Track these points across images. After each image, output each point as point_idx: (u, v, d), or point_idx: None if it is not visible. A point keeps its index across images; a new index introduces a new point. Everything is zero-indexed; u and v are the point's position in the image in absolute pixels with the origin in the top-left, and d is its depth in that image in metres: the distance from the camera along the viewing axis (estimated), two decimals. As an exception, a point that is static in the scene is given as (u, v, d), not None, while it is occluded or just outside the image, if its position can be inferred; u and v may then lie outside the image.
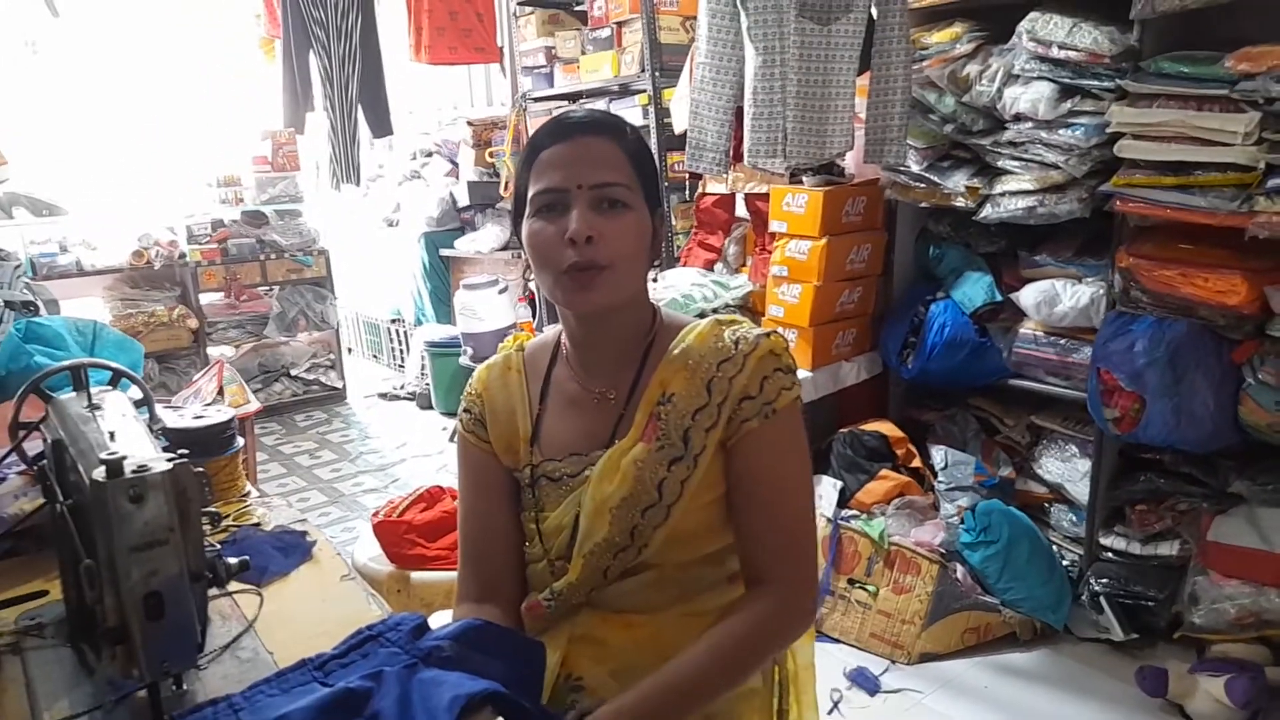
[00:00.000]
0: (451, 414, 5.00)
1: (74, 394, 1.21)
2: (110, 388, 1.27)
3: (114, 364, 1.29)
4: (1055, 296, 2.61)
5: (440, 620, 1.18)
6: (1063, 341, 2.67)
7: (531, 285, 4.61)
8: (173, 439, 1.32)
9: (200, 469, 0.94)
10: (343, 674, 0.99)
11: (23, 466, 1.29)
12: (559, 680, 1.12)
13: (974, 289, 2.84)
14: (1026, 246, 2.79)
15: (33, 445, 1.26)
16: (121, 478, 0.85)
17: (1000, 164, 2.62)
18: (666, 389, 1.10)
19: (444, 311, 5.57)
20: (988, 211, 2.64)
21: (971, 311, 2.82)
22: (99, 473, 0.86)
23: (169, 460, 0.90)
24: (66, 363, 1.22)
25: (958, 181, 2.69)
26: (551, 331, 1.24)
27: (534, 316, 4.59)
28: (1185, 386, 2.30)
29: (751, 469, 1.08)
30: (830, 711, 2.33)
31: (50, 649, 1.11)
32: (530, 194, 1.08)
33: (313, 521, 3.84)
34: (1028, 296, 2.68)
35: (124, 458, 0.86)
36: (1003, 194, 2.60)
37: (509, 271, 5.03)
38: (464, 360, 4.81)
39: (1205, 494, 2.48)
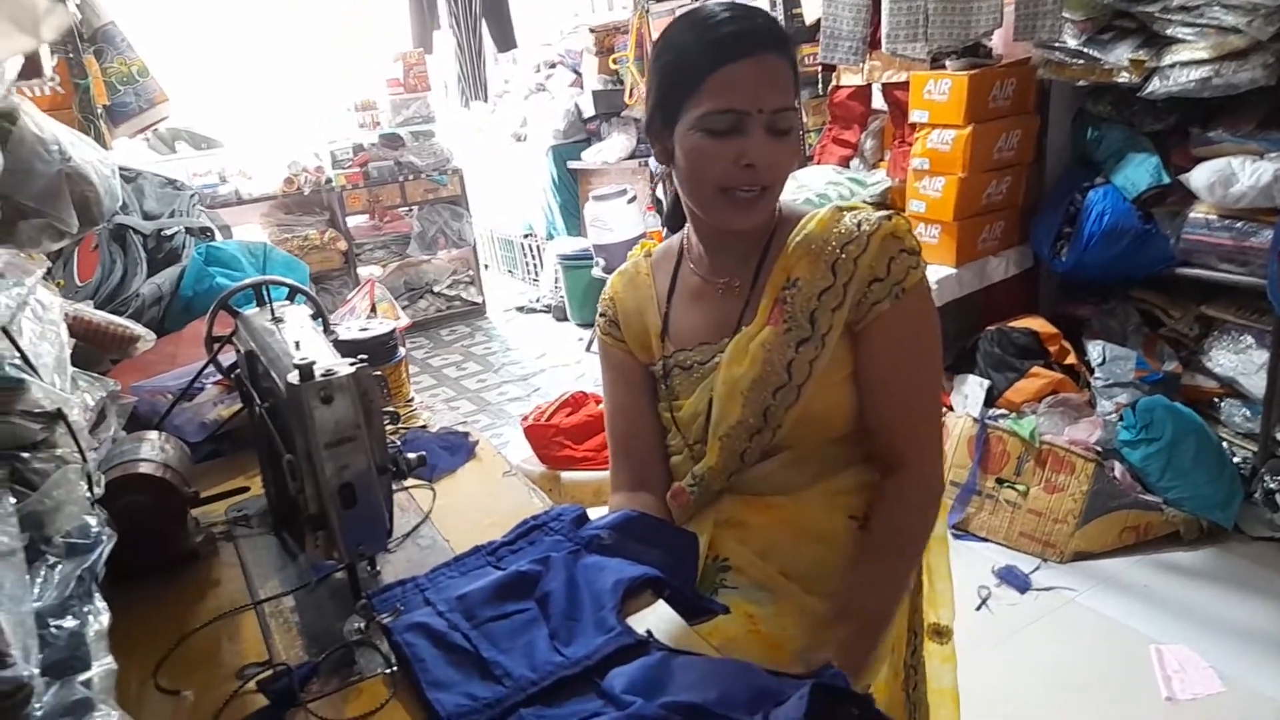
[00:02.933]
0: (587, 325, 5.11)
1: (257, 309, 1.31)
2: (288, 303, 1.37)
3: (290, 280, 1.39)
4: (1232, 176, 2.40)
5: (595, 515, 1.25)
6: (1239, 225, 2.46)
7: (659, 193, 4.59)
8: (343, 349, 1.41)
9: (378, 373, 1.01)
10: (513, 559, 1.07)
11: (218, 376, 1.42)
12: (707, 562, 1.17)
13: (1138, 172, 2.64)
14: (1199, 122, 2.56)
15: (224, 357, 1.37)
16: (313, 381, 0.92)
17: (1170, 32, 2.39)
18: (791, 274, 1.10)
19: (574, 224, 5.64)
20: (1155, 86, 2.42)
21: (1135, 196, 2.63)
22: (293, 376, 0.94)
23: (351, 365, 0.96)
24: (249, 280, 1.32)
25: (1121, 55, 2.48)
26: (675, 238, 1.26)
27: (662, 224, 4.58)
28: (1383, 268, 2.09)
29: (884, 351, 1.08)
30: (978, 608, 2.32)
31: (257, 536, 1.23)
32: (701, 111, 1.03)
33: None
34: (1200, 177, 2.47)
35: (313, 363, 0.94)
36: (1173, 65, 2.38)
37: (636, 181, 5.02)
38: (596, 272, 4.88)
39: (1402, 384, 2.27)
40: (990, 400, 2.72)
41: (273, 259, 1.89)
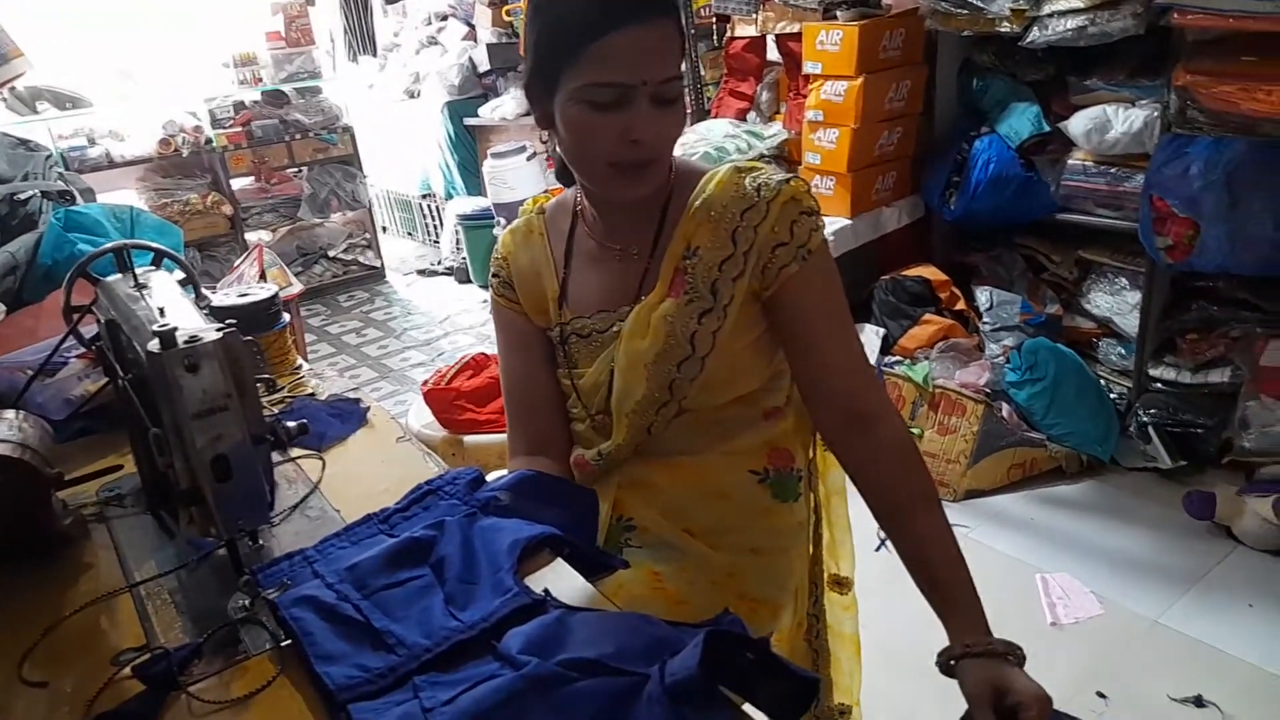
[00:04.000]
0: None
1: (120, 276, 1.23)
2: (154, 268, 1.29)
3: (156, 244, 1.30)
4: (1107, 123, 2.49)
5: (495, 478, 1.22)
6: (1113, 170, 2.57)
7: (552, 150, 4.48)
8: (220, 317, 1.34)
9: (249, 338, 0.96)
10: (406, 526, 1.04)
11: (81, 349, 1.33)
12: (612, 523, 1.16)
13: (1020, 120, 2.72)
14: (1076, 71, 2.64)
15: (87, 329, 1.29)
16: (175, 348, 0.87)
17: (1048, -19, 2.45)
18: (691, 243, 1.08)
19: (474, 183, 5.51)
20: (1035, 35, 2.49)
21: (1018, 145, 2.71)
22: (153, 345, 0.88)
23: (218, 330, 0.91)
24: (109, 245, 1.23)
25: (1002, 4, 2.53)
26: (570, 192, 1.21)
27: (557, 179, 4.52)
28: (1243, 209, 2.21)
29: (804, 310, 1.06)
30: (877, 549, 2.39)
31: (132, 516, 1.17)
32: (582, 82, 0.97)
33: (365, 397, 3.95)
34: (1077, 125, 2.57)
35: (175, 329, 0.88)
36: (1050, 15, 2.45)
37: (535, 137, 4.93)
38: (498, 231, 4.79)
39: (1260, 319, 2.43)
40: (886, 348, 2.79)
41: (141, 223, 1.77)
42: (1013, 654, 0.90)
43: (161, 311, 1.04)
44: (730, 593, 1.14)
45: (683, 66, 1.05)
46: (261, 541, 1.03)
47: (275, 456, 1.24)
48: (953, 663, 0.93)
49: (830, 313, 1.07)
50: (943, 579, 0.98)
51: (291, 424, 1.01)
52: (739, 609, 1.13)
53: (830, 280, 1.08)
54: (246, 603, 0.93)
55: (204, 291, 1.51)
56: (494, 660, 0.82)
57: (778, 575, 1.20)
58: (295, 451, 1.26)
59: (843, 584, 1.38)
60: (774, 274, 1.05)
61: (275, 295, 1.55)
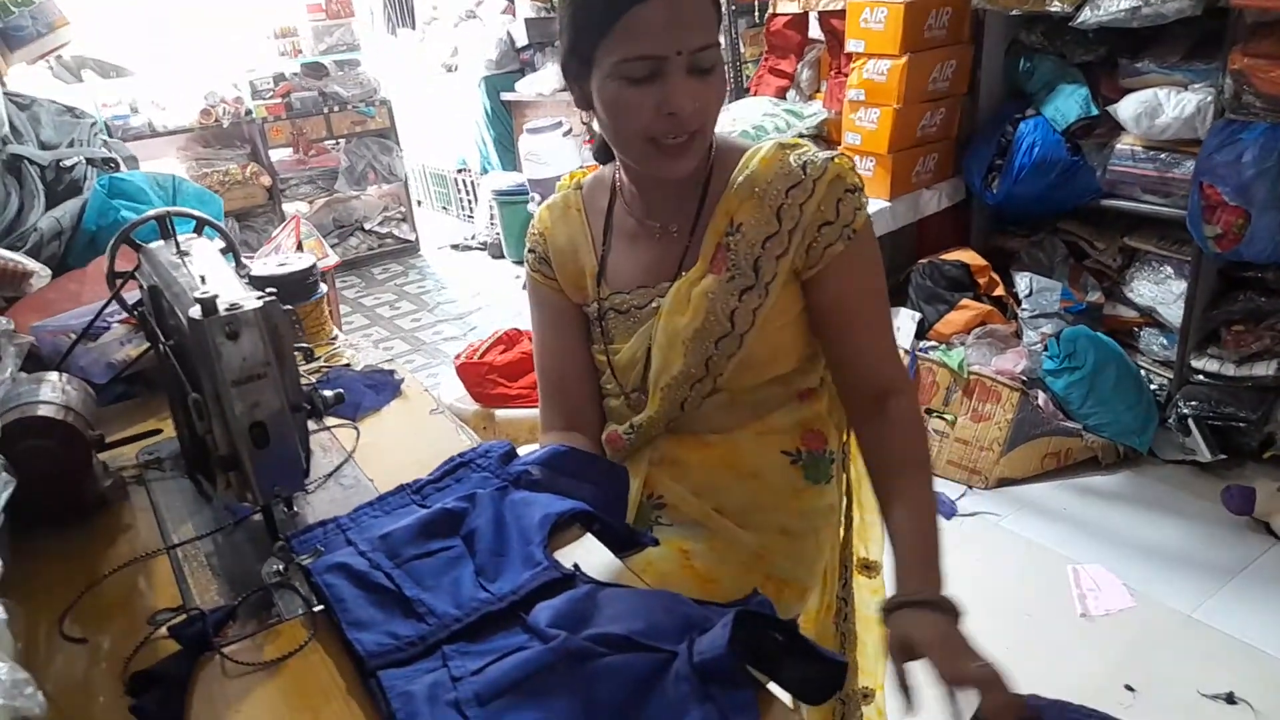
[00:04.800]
0: (523, 263, 5.02)
1: (162, 243, 1.24)
2: (196, 236, 1.30)
3: (198, 212, 1.32)
4: (1158, 107, 2.43)
5: (526, 453, 1.23)
6: (1163, 156, 2.50)
7: (596, 126, 4.45)
8: (259, 285, 1.35)
9: (288, 307, 0.97)
10: (438, 497, 1.05)
11: (123, 314, 1.35)
12: (642, 500, 1.16)
13: (1067, 103, 2.66)
14: (1128, 53, 2.57)
15: (130, 295, 1.30)
16: (216, 315, 0.88)
17: (1101, -41, 2.39)
18: (734, 219, 1.07)
19: (509, 158, 5.50)
20: (1086, 15, 2.43)
21: (1064, 128, 2.65)
22: (195, 311, 0.89)
23: (259, 298, 0.92)
24: (153, 212, 1.24)
25: (1053, -17, 2.47)
26: (608, 168, 1.20)
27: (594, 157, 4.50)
28: (1297, 198, 2.15)
29: (845, 291, 1.06)
30: (907, 534, 2.39)
31: (171, 480, 1.19)
32: (617, 58, 0.96)
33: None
34: (1127, 108, 2.50)
35: (216, 296, 0.89)
36: (1103, -6, 2.38)
37: (572, 113, 4.90)
38: (532, 208, 4.79)
39: (1310, 312, 2.36)
40: (921, 332, 2.76)
41: (183, 191, 1.79)
42: (944, 606, 0.89)
43: (203, 279, 1.05)
44: (758, 573, 1.14)
45: (720, 35, 1.03)
46: (296, 508, 1.04)
47: (311, 425, 1.25)
48: (887, 613, 0.93)
49: (869, 295, 1.08)
50: (903, 534, 1.00)
51: (329, 393, 1.02)
52: (766, 589, 1.13)
53: (872, 261, 1.08)
54: (281, 568, 0.94)
55: (243, 260, 1.53)
56: (523, 632, 0.83)
57: (806, 557, 1.20)
58: (330, 420, 1.27)
59: (871, 568, 1.37)
60: (819, 253, 1.04)
61: (313, 265, 1.56)
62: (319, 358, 1.47)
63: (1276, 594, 2.07)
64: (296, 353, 1.00)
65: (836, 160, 1.06)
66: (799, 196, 1.04)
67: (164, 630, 0.86)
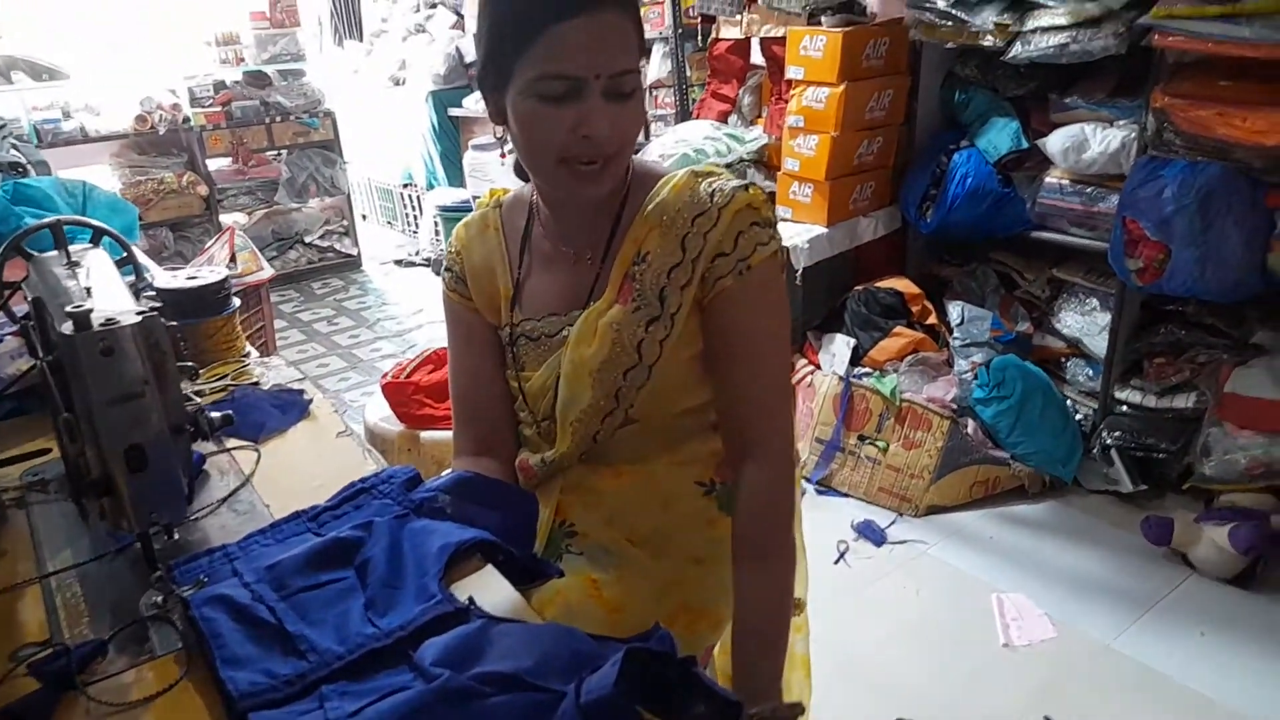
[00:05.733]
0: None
1: (55, 253, 1.19)
2: (93, 246, 1.25)
3: (93, 221, 1.26)
4: (1084, 142, 2.49)
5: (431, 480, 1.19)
6: (1089, 190, 2.56)
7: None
8: (164, 299, 1.30)
9: (174, 323, 0.92)
10: (335, 525, 1.00)
11: (15, 327, 1.28)
12: (553, 527, 1.13)
13: (999, 136, 2.71)
14: (1057, 89, 2.63)
15: (22, 307, 1.24)
16: (90, 330, 0.83)
17: (1032, -3, 2.44)
18: (641, 248, 1.05)
19: (455, 174, 5.45)
20: (1017, 50, 2.48)
21: (996, 160, 2.70)
22: (67, 326, 0.84)
23: (138, 313, 0.87)
24: (44, 220, 1.19)
25: (986, 18, 2.52)
26: (526, 188, 1.18)
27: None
28: (1214, 234, 2.21)
29: (727, 327, 1.03)
30: (836, 562, 2.39)
31: (54, 503, 1.12)
32: (533, 74, 0.93)
33: (331, 387, 3.88)
34: (1055, 142, 2.56)
35: (90, 311, 0.84)
36: (1034, 30, 2.44)
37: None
38: (477, 223, 4.74)
39: (1226, 345, 2.43)
40: (855, 359, 2.77)
41: (94, 199, 1.73)
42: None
43: (89, 291, 1.01)
44: (670, 603, 1.12)
45: (642, 62, 1.01)
46: (178, 535, 0.99)
47: (209, 447, 1.21)
48: None
49: (754, 334, 1.03)
50: (740, 629, 1.00)
51: (216, 414, 0.98)
52: (680, 620, 1.12)
53: (764, 300, 1.03)
54: (159, 600, 0.89)
55: (151, 272, 1.47)
56: (409, 670, 0.79)
57: (720, 586, 1.18)
58: (231, 442, 1.22)
59: (795, 605, 1.36)
60: (711, 284, 1.02)
61: (225, 280, 1.50)
62: (225, 376, 1.42)
63: (1192, 625, 2.10)
64: (181, 370, 0.95)
65: (749, 190, 1.04)
66: (704, 225, 1.02)
67: (23, 668, 0.81)
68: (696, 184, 1.05)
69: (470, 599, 0.88)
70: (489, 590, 0.91)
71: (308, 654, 0.81)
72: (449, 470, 1.15)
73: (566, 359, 1.07)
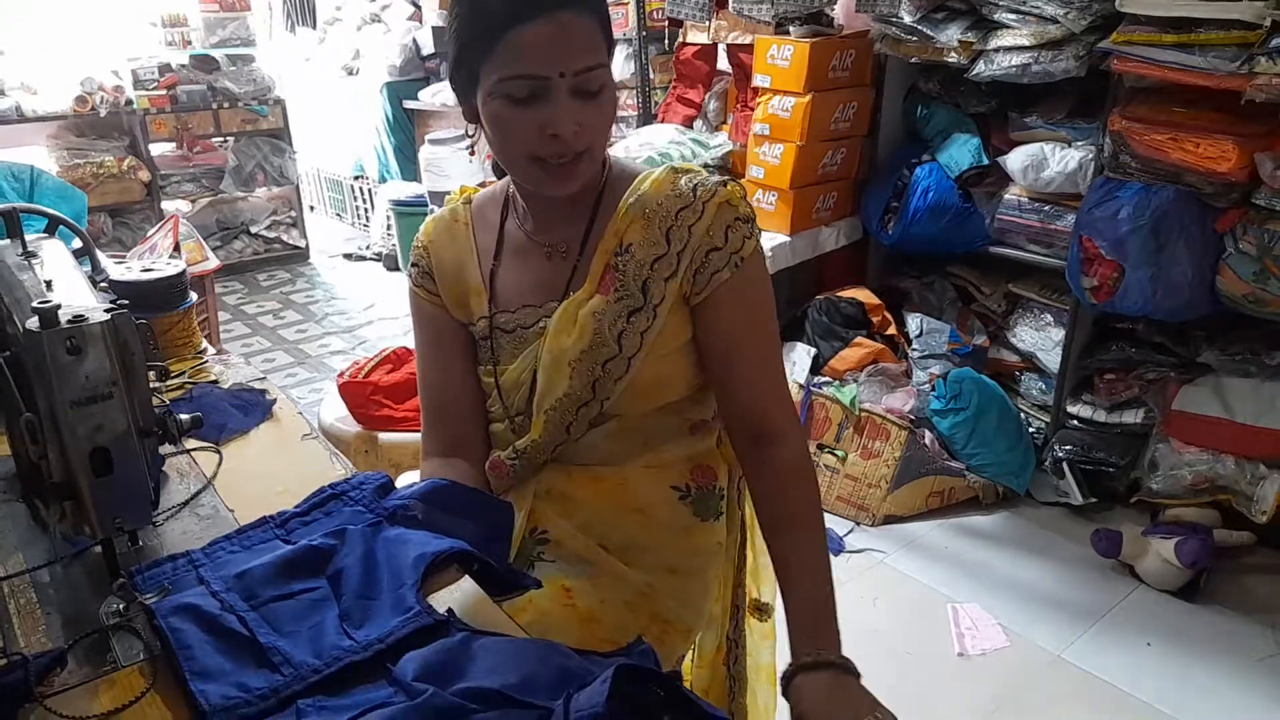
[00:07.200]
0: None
1: (7, 242, 1.13)
2: (48, 235, 1.19)
3: (51, 210, 1.20)
4: (1043, 160, 2.54)
5: (408, 480, 1.16)
6: (1047, 208, 2.62)
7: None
8: (120, 292, 1.25)
9: (143, 320, 0.88)
10: (305, 532, 0.97)
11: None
12: (525, 535, 1.11)
13: (961, 152, 2.75)
14: (1017, 108, 2.69)
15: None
16: (57, 328, 0.79)
17: (997, 17, 2.49)
18: (624, 239, 1.05)
19: (409, 168, 5.37)
20: (980, 68, 2.52)
21: (957, 175, 2.75)
22: (33, 323, 0.80)
23: (107, 310, 0.83)
24: (-3, 206, 1.13)
25: (951, 35, 2.56)
26: (500, 184, 1.17)
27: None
28: (1166, 255, 2.27)
29: (730, 320, 1.05)
30: (796, 569, 2.40)
31: (4, 504, 1.07)
32: (498, 76, 0.94)
33: (278, 383, 3.79)
34: (1015, 160, 2.61)
35: (58, 306, 0.80)
36: (997, 50, 2.48)
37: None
38: (432, 219, 4.67)
39: (1174, 364, 2.50)
40: (816, 368, 2.79)
41: (42, 185, 1.65)
42: (840, 667, 0.90)
43: (49, 285, 0.96)
44: (643, 613, 1.11)
45: (610, 58, 1.02)
46: (142, 541, 0.95)
47: (167, 448, 1.15)
48: (787, 681, 0.91)
49: (755, 325, 1.06)
50: (794, 596, 0.99)
51: (185, 416, 0.93)
52: (651, 630, 1.11)
53: (760, 291, 1.07)
54: (121, 607, 0.85)
55: (104, 264, 1.41)
56: (388, 685, 0.77)
57: (693, 597, 1.17)
58: (190, 444, 1.17)
59: (763, 610, 1.36)
60: (705, 279, 1.04)
61: (182, 273, 1.45)
62: (182, 374, 1.36)
63: (1139, 635, 2.16)
64: (150, 371, 0.91)
65: (728, 185, 1.06)
66: (688, 218, 1.03)
67: (-25, 679, 0.76)
68: (677, 179, 1.06)
69: (450, 611, 0.85)
70: (467, 601, 0.89)
71: (282, 667, 0.78)
72: (410, 477, 1.12)
73: (545, 349, 1.07)
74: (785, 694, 0.91)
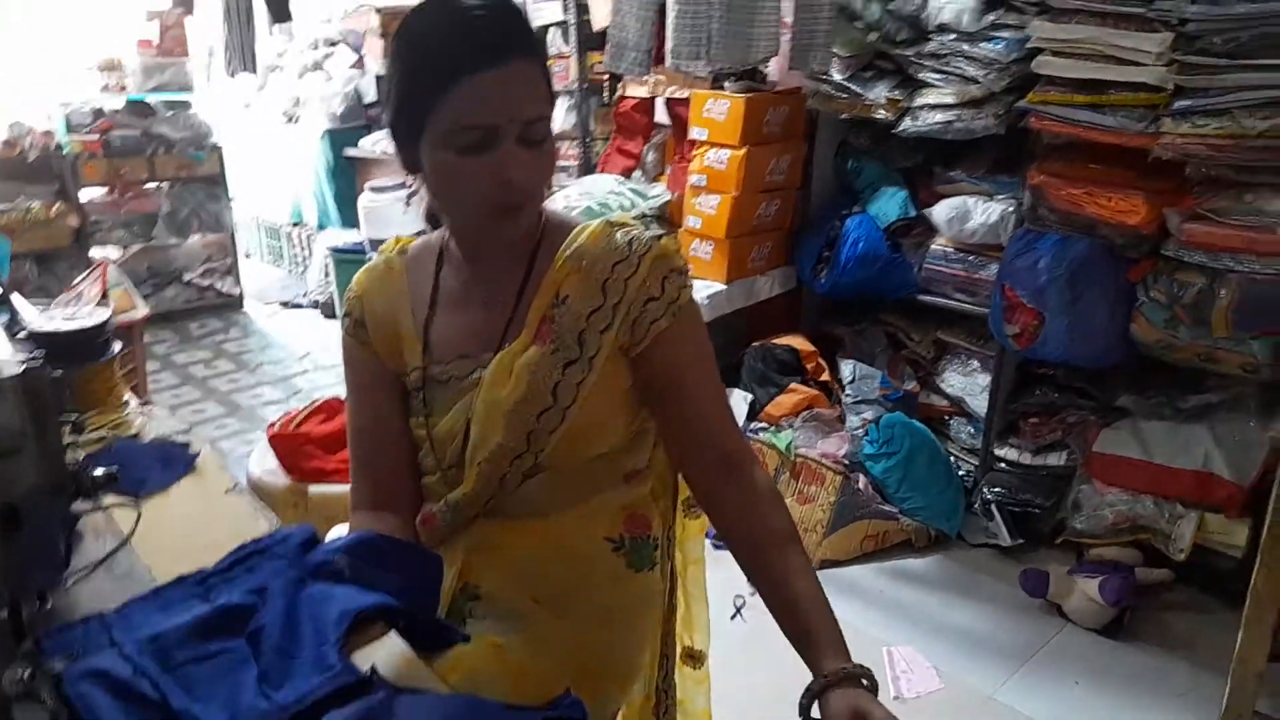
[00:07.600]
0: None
1: (-82, 290, 1.10)
2: (-39, 284, 1.16)
3: (-36, 258, 1.17)
4: (967, 213, 2.64)
5: (339, 533, 1.14)
6: (971, 258, 2.71)
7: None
8: (40, 343, 1.22)
9: (59, 372, 0.86)
10: (225, 589, 0.95)
11: None
12: (456, 592, 1.10)
13: (889, 204, 2.84)
14: (942, 162, 2.80)
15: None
16: (-37, 382, 0.77)
17: (922, 76, 2.60)
18: (560, 291, 1.06)
19: (349, 215, 5.32)
20: (907, 124, 2.63)
21: (886, 226, 2.83)
22: (-63, 376, 0.78)
23: (21, 363, 0.81)
24: (-94, 255, 1.10)
25: (879, 93, 2.66)
26: (435, 235, 1.18)
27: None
28: (1083, 304, 2.37)
29: (676, 362, 1.07)
30: (733, 617, 2.39)
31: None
32: (447, 126, 0.95)
33: (209, 434, 3.69)
34: (940, 212, 2.71)
35: (-35, 360, 0.78)
36: (922, 107, 2.59)
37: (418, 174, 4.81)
38: (371, 266, 4.63)
39: (1094, 407, 2.59)
40: (752, 414, 2.82)
41: (-41, 231, 1.60)
42: (869, 678, 0.91)
43: (-42, 336, 0.93)
44: (576, 665, 1.10)
45: (552, 110, 1.05)
46: (52, 603, 0.92)
47: (83, 504, 1.12)
48: (816, 697, 0.91)
49: (700, 364, 1.09)
50: (805, 612, 0.99)
51: (100, 471, 0.91)
52: (585, 683, 1.09)
53: (699, 332, 1.10)
54: (25, 675, 0.82)
55: (24, 313, 1.37)
56: (308, 748, 0.75)
57: (627, 648, 1.17)
58: (107, 499, 1.14)
59: (696, 657, 1.35)
60: (644, 328, 1.05)
61: (105, 322, 1.42)
62: (100, 427, 1.33)
63: (1067, 674, 2.20)
64: (65, 425, 0.89)
65: (663, 240, 1.08)
66: (624, 272, 1.05)
67: None
68: (612, 232, 1.08)
69: (373, 668, 0.84)
70: (392, 659, 0.87)
71: (195, 733, 0.75)
72: (342, 529, 1.10)
73: (480, 400, 1.06)
74: (819, 706, 0.90)
